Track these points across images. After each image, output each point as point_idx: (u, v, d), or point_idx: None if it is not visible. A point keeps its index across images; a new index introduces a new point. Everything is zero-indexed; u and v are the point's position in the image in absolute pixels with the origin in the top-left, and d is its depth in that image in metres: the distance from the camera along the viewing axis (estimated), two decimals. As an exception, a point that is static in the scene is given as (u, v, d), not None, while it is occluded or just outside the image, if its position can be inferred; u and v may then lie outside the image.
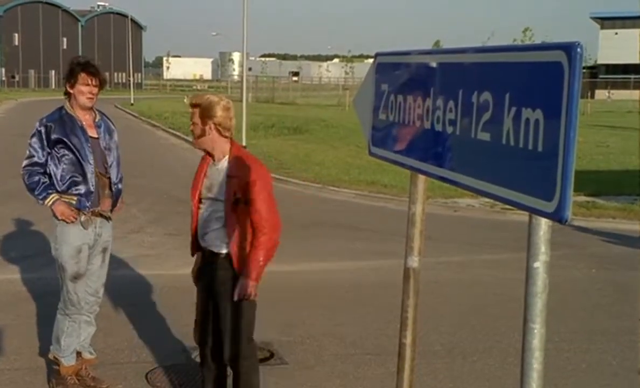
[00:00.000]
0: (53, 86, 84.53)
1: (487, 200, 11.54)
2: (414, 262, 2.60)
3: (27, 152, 4.91)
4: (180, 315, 6.46)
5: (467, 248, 10.25)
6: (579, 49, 1.62)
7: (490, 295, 7.90)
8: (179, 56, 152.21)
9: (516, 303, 6.35)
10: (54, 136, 4.83)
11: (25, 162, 4.92)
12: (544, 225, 1.78)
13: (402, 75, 2.59)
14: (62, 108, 4.96)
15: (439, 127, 2.28)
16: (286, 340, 6.22)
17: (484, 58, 2.06)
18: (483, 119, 2.00)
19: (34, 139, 4.90)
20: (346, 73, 70.57)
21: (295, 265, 8.86)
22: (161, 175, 12.16)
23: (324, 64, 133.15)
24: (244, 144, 21.33)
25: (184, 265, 8.43)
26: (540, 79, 1.74)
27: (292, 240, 10.23)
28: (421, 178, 2.59)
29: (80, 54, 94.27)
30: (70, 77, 4.87)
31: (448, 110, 2.20)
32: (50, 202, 4.82)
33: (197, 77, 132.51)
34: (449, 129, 2.21)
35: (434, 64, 2.36)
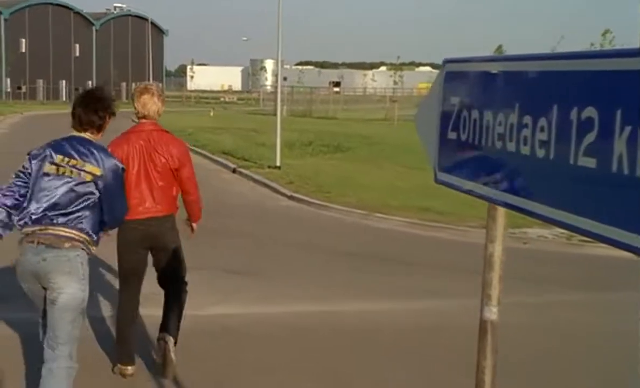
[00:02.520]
0: (64, 98, 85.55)
1: (561, 230, 11.25)
2: (492, 313, 2.44)
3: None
4: (210, 366, 6.35)
5: (539, 287, 10.00)
6: None
7: (568, 340, 7.71)
8: (204, 64, 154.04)
9: (597, 350, 6.11)
10: None
11: None
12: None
13: (478, 86, 2.45)
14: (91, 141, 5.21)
15: (526, 150, 2.12)
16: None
17: (586, 65, 1.90)
18: (586, 140, 1.84)
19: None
20: (395, 83, 70.28)
21: (337, 305, 8.72)
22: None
23: (369, 73, 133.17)
24: (278, 164, 21.32)
25: (211, 304, 8.41)
26: (665, 92, 1.58)
27: (332, 275, 10.12)
28: (501, 212, 2.44)
29: (94, 61, 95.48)
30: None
31: (539, 129, 2.05)
32: None
33: (225, 87, 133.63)
34: (540, 153, 2.05)
35: (520, 73, 2.20)
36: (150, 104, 6.00)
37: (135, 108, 6.06)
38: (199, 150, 27.20)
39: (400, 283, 9.89)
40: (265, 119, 47.43)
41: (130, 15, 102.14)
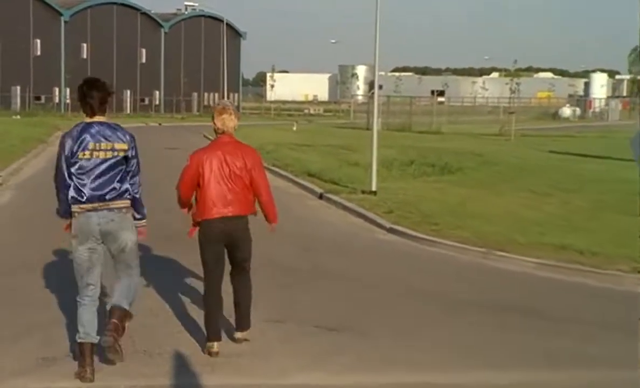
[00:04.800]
0: (128, 110, 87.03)
1: None
2: None
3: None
4: None
5: None
6: None
7: None
8: (286, 71, 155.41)
9: None
10: None
11: None
12: None
13: None
14: None
15: None
16: None
17: None
18: None
19: None
20: (511, 91, 68.99)
21: (457, 375, 7.96)
22: (261, 232, 11.22)
23: (479, 80, 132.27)
24: (373, 188, 20.64)
25: (297, 370, 7.69)
26: None
27: (447, 333, 9.28)
28: None
29: (162, 69, 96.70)
30: None
31: None
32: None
33: (310, 97, 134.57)
34: None
35: None
36: (229, 121, 8.16)
37: (215, 124, 8.20)
38: (280, 171, 26.65)
39: (537, 344, 8.96)
40: (356, 133, 46.99)
41: (203, 15, 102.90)
